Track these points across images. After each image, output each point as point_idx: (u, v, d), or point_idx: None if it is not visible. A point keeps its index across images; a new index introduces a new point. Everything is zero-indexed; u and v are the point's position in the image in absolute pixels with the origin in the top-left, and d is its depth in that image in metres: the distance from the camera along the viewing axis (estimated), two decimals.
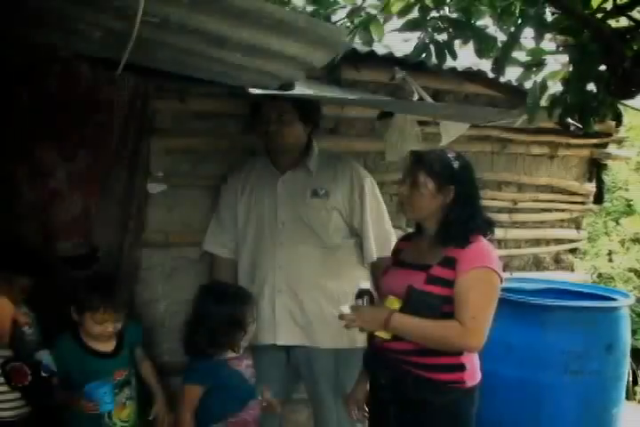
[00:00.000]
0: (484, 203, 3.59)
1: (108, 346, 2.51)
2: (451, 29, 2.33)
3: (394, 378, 2.25)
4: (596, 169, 4.70)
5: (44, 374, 2.10)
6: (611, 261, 6.69)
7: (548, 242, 4.50)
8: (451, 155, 2.27)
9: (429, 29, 2.34)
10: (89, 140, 2.59)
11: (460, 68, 3.30)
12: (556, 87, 2.08)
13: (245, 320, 2.45)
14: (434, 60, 2.42)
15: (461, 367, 2.18)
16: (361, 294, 2.27)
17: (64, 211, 2.59)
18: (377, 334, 2.22)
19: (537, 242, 4.42)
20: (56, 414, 2.48)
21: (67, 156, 2.57)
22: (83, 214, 2.62)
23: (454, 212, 2.21)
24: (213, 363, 2.45)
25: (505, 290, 2.94)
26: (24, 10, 1.72)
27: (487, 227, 2.26)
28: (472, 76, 3.41)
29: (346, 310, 2.22)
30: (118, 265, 2.73)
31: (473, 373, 2.23)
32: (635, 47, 1.90)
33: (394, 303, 2.20)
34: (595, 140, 4.52)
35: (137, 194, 2.72)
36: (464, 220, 2.21)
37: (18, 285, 2.35)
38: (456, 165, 2.24)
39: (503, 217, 4.06)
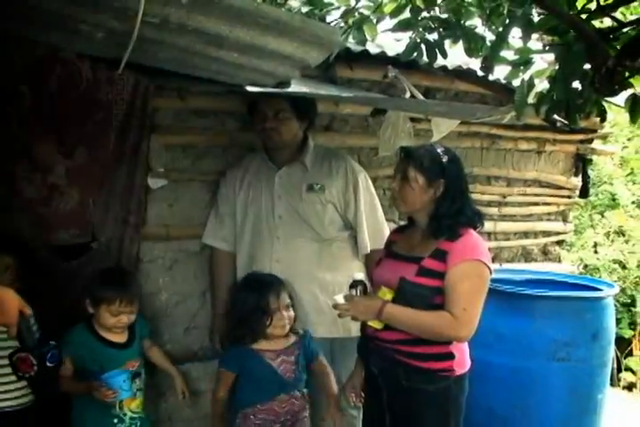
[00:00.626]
0: (475, 197, 3.69)
1: (121, 337, 2.54)
2: (441, 29, 2.35)
3: (385, 367, 2.30)
4: (581, 164, 4.74)
5: (49, 364, 2.13)
6: (596, 252, 6.74)
7: (535, 234, 4.56)
8: (439, 149, 2.30)
9: (420, 29, 2.36)
10: (88, 137, 2.60)
11: (450, 67, 3.32)
12: (542, 85, 2.09)
13: (268, 307, 2.47)
14: (425, 58, 2.44)
15: (451, 356, 2.23)
16: (355, 284, 2.31)
17: (62, 203, 2.60)
18: (369, 323, 2.26)
19: (525, 234, 4.48)
20: (61, 403, 2.50)
21: (66, 153, 2.58)
22: (80, 207, 2.64)
23: (444, 205, 2.25)
24: (240, 351, 2.51)
25: (495, 281, 2.96)
26: (26, 10, 1.76)
27: (476, 219, 2.30)
28: (462, 74, 3.43)
29: (340, 299, 2.25)
30: (118, 259, 2.75)
31: (462, 361, 2.27)
32: (618, 46, 1.94)
33: (386, 294, 2.24)
34: (580, 136, 4.58)
35: (137, 190, 2.75)
36: (454, 213, 2.24)
37: (2, 264, 2.37)
38: (445, 159, 2.27)
39: (492, 210, 4.13)
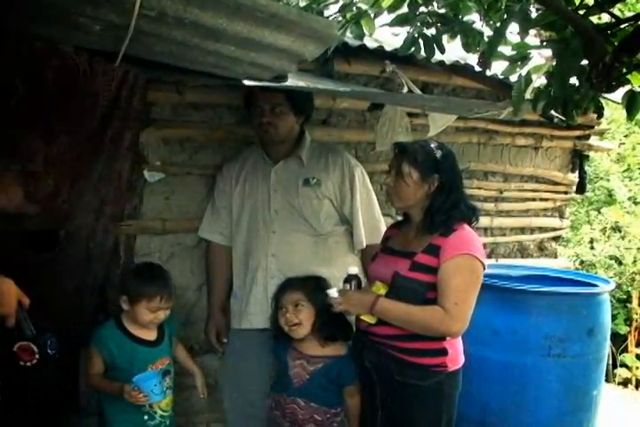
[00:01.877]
0: (471, 192, 3.69)
1: (151, 335, 2.50)
2: (439, 24, 2.35)
3: (378, 361, 2.31)
4: (578, 160, 4.75)
5: (50, 352, 2.12)
6: (592, 248, 6.77)
7: (532, 230, 4.57)
8: (433, 145, 2.32)
9: (418, 24, 2.36)
10: (72, 127, 2.52)
11: (447, 62, 3.31)
12: (540, 81, 2.10)
13: (275, 303, 2.51)
14: (422, 53, 2.44)
15: (443, 352, 2.24)
16: (349, 278, 2.34)
17: (36, 190, 2.49)
18: (362, 317, 2.28)
19: (522, 230, 4.50)
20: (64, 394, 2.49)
21: (49, 141, 2.51)
22: (53, 193, 2.53)
23: (438, 200, 2.26)
24: (277, 342, 2.55)
25: (490, 276, 2.99)
26: (25, 4, 1.75)
27: (471, 214, 2.31)
28: (459, 69, 3.42)
29: (333, 293, 2.28)
30: (88, 249, 2.66)
31: (455, 357, 2.28)
32: (615, 43, 1.94)
33: (380, 288, 2.26)
34: (577, 132, 4.58)
35: (115, 180, 2.67)
36: (448, 208, 2.26)
37: None
38: (439, 154, 2.28)
39: (489, 206, 4.13)
